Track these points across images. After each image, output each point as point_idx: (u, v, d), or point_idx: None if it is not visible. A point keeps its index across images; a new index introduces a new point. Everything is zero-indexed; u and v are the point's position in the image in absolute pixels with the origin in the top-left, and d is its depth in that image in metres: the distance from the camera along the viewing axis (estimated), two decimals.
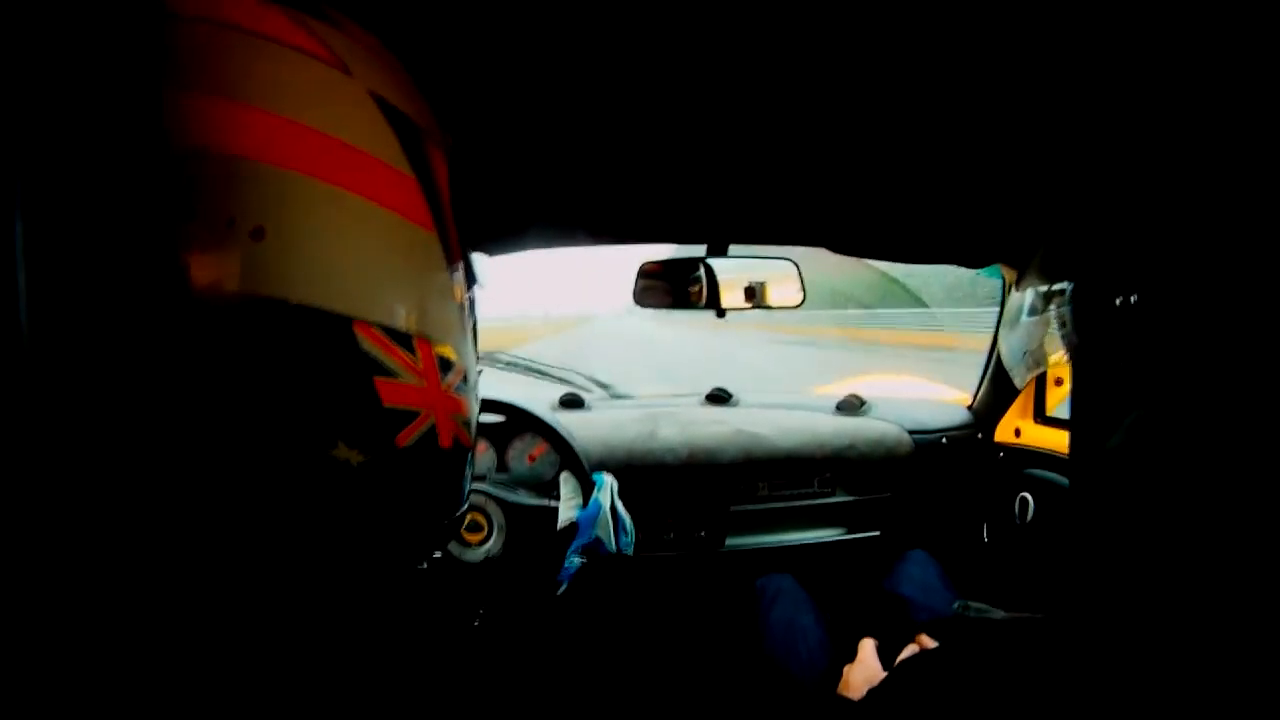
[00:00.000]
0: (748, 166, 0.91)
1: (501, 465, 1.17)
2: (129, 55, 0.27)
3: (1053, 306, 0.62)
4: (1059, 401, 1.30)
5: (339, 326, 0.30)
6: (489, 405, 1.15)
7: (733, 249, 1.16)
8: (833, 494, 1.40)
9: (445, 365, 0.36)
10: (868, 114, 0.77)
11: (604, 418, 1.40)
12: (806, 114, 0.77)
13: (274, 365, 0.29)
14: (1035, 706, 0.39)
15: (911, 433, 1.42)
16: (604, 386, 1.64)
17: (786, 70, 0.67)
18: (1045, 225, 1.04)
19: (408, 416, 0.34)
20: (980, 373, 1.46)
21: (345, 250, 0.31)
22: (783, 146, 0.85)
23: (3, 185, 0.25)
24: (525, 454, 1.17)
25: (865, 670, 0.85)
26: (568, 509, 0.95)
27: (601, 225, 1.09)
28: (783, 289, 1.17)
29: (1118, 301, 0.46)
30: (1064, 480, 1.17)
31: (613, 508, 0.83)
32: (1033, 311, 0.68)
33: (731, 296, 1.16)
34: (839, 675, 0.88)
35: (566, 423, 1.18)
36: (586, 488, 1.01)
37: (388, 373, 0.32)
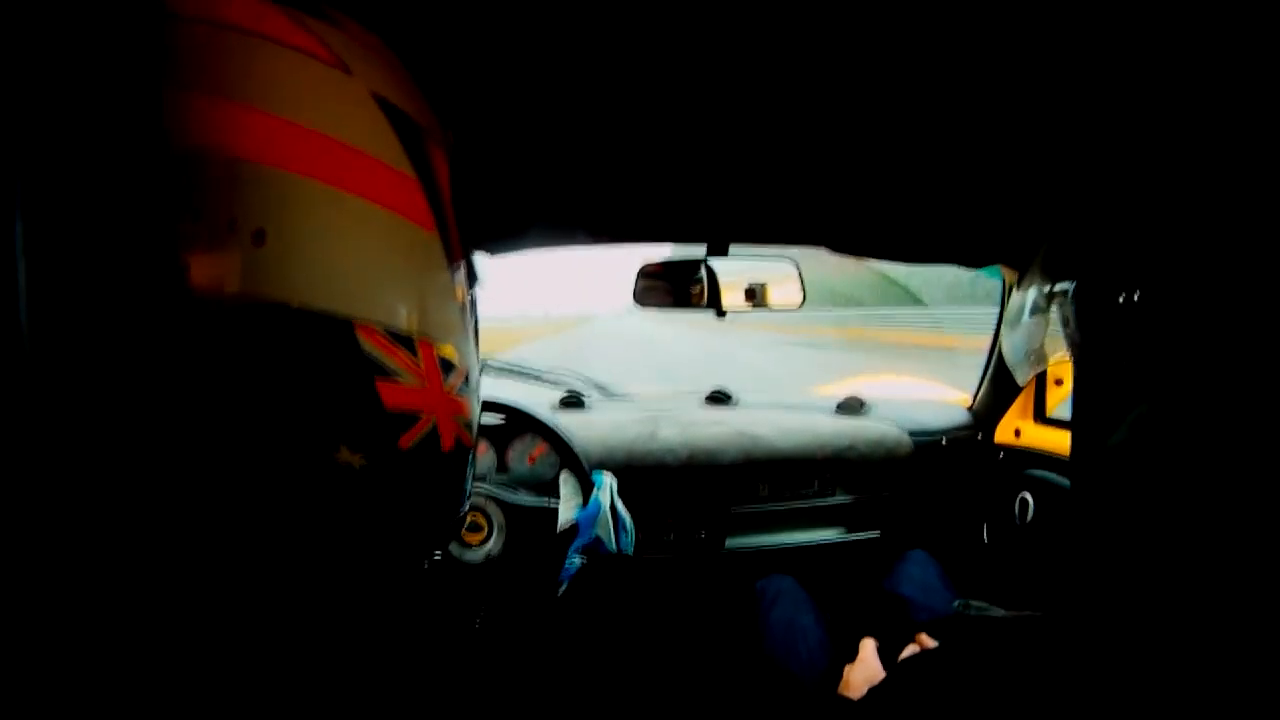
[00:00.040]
0: (748, 166, 0.91)
1: (501, 466, 1.18)
2: (129, 55, 0.27)
3: (1055, 305, 0.62)
4: (1059, 402, 1.30)
5: (341, 329, 0.30)
6: (489, 406, 1.15)
7: (733, 249, 1.16)
8: (833, 495, 1.40)
9: (447, 366, 0.36)
10: (868, 114, 0.77)
11: (604, 418, 1.40)
12: (806, 114, 0.77)
13: (275, 369, 0.29)
14: (1036, 705, 0.39)
15: (911, 434, 1.42)
16: (601, 389, 1.64)
17: (786, 70, 0.67)
18: (1046, 225, 1.04)
19: (410, 419, 0.34)
20: (980, 373, 1.46)
21: (346, 252, 0.31)
22: (783, 146, 0.85)
23: (3, 186, 0.25)
24: (525, 454, 1.17)
25: (866, 670, 0.85)
26: (568, 509, 0.95)
27: (601, 225, 1.09)
28: (783, 290, 1.17)
29: (1120, 298, 0.46)
30: (1064, 481, 1.17)
31: (613, 507, 0.83)
32: (1035, 310, 0.68)
33: (732, 297, 1.16)
34: (839, 675, 0.88)
35: (566, 423, 1.18)
36: (586, 488, 1.02)
37: (390, 375, 0.32)
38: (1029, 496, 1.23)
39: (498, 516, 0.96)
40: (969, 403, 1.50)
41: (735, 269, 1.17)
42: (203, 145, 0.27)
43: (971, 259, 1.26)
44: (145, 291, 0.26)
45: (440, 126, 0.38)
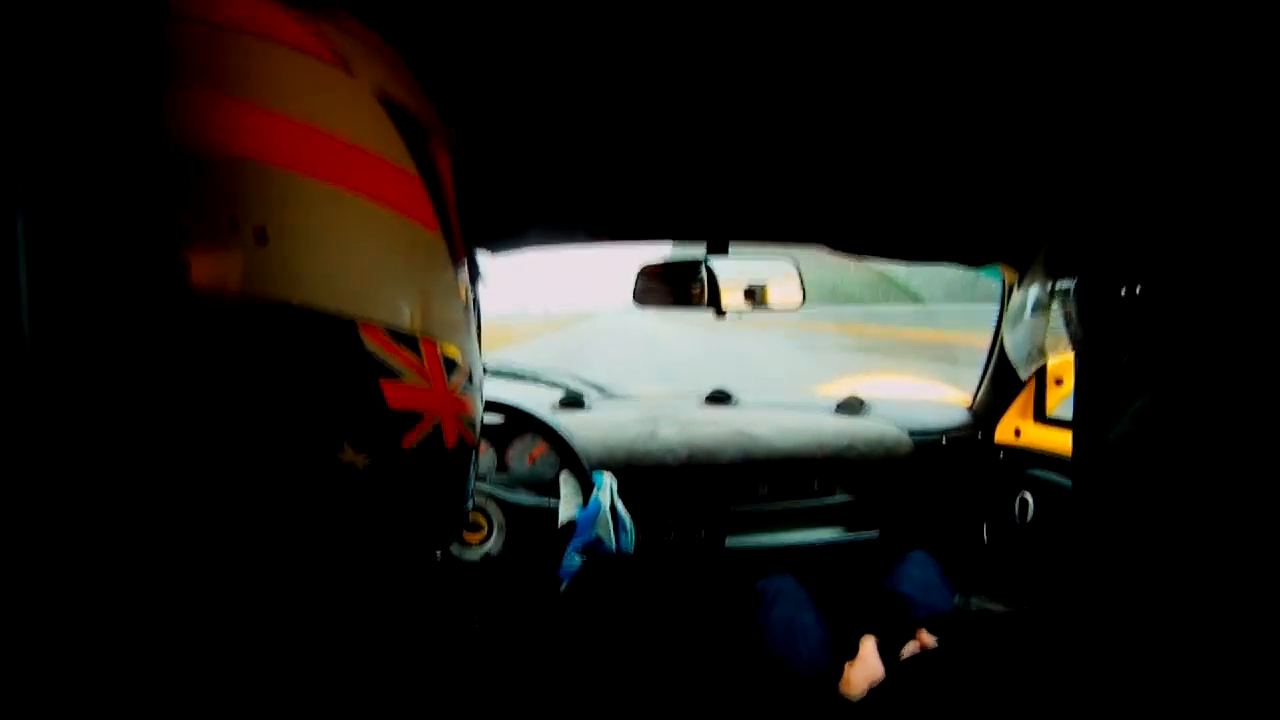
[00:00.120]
0: (748, 165, 0.91)
1: (501, 465, 1.18)
2: (130, 54, 0.27)
3: (1057, 301, 0.62)
4: (1059, 401, 1.30)
5: (344, 328, 0.30)
6: (489, 406, 1.15)
7: (733, 249, 1.16)
8: (832, 494, 1.40)
9: (450, 365, 0.36)
10: (868, 112, 0.77)
11: (604, 418, 1.40)
12: (806, 113, 0.77)
13: (278, 369, 0.29)
14: (1036, 702, 0.39)
15: (911, 433, 1.42)
16: (600, 389, 1.64)
17: (786, 69, 0.67)
18: (1045, 224, 1.05)
19: (413, 418, 0.33)
20: (980, 372, 1.46)
21: (349, 251, 0.31)
22: (783, 145, 0.85)
23: (4, 186, 0.25)
24: (525, 454, 1.18)
25: (866, 668, 0.86)
26: (568, 508, 0.95)
27: (602, 223, 1.09)
28: (783, 289, 1.17)
29: (1122, 294, 0.46)
30: (1064, 480, 1.18)
31: (612, 507, 0.83)
32: (1037, 308, 0.68)
33: (731, 297, 1.16)
34: (840, 673, 0.88)
35: (566, 423, 1.18)
36: (586, 488, 1.02)
37: (393, 374, 0.32)
38: (1029, 496, 1.23)
39: (497, 516, 0.96)
40: (969, 402, 1.50)
41: (735, 269, 1.17)
42: (204, 144, 0.27)
43: (971, 258, 1.26)
44: (147, 291, 0.26)
45: (443, 124, 0.38)
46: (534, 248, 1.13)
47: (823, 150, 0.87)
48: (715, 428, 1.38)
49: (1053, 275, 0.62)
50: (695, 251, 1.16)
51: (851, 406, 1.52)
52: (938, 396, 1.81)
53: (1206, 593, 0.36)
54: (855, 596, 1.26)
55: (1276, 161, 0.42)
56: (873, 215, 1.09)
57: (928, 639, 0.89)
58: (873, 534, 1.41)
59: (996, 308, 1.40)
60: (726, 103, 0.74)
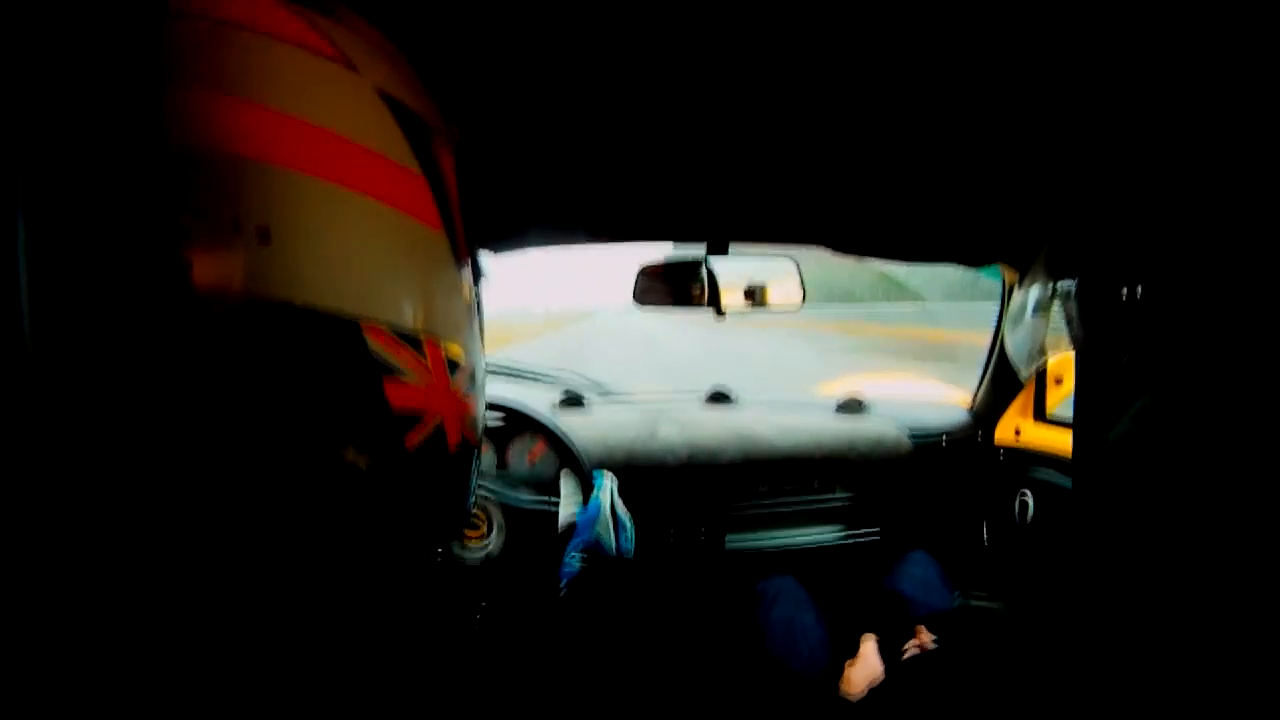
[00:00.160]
0: (748, 165, 0.91)
1: (501, 465, 1.18)
2: (131, 54, 0.26)
3: (1058, 302, 0.62)
4: (1059, 401, 1.30)
5: (347, 329, 0.30)
6: (489, 406, 1.15)
7: (733, 249, 1.16)
8: (832, 494, 1.40)
9: (453, 366, 0.36)
10: (868, 113, 0.77)
11: (604, 417, 1.40)
12: (806, 113, 0.77)
13: (282, 369, 0.29)
14: (1036, 701, 0.39)
15: (911, 433, 1.42)
16: (599, 387, 1.64)
17: (787, 69, 0.67)
18: (1045, 224, 1.04)
19: (416, 418, 0.33)
20: (979, 372, 1.46)
21: (353, 250, 0.31)
22: (783, 146, 0.85)
23: (4, 186, 0.25)
24: (525, 454, 1.18)
25: (866, 667, 0.86)
26: (568, 508, 0.96)
27: (602, 223, 1.09)
28: (782, 289, 1.17)
29: (1123, 294, 0.46)
30: (1064, 480, 1.18)
31: (612, 507, 0.83)
32: (1038, 308, 0.68)
33: (732, 297, 1.16)
34: (840, 672, 0.88)
35: (566, 423, 1.18)
36: (586, 487, 1.02)
37: (396, 374, 0.32)
38: (1029, 496, 1.23)
39: (497, 516, 0.96)
40: (969, 402, 1.50)
41: (735, 268, 1.17)
42: (206, 143, 0.27)
43: (971, 259, 1.26)
44: (149, 292, 0.26)
45: (446, 124, 0.38)
46: (534, 248, 1.13)
47: (823, 151, 0.87)
48: (715, 427, 1.38)
49: (1054, 276, 0.62)
50: (695, 251, 1.16)
51: (851, 406, 1.52)
52: (938, 396, 1.81)
53: (1206, 592, 0.36)
54: (855, 596, 1.26)
55: (1276, 162, 0.42)
56: (873, 216, 1.09)
57: (927, 638, 0.89)
58: (873, 534, 1.41)
59: (997, 306, 1.40)
60: (727, 103, 0.73)
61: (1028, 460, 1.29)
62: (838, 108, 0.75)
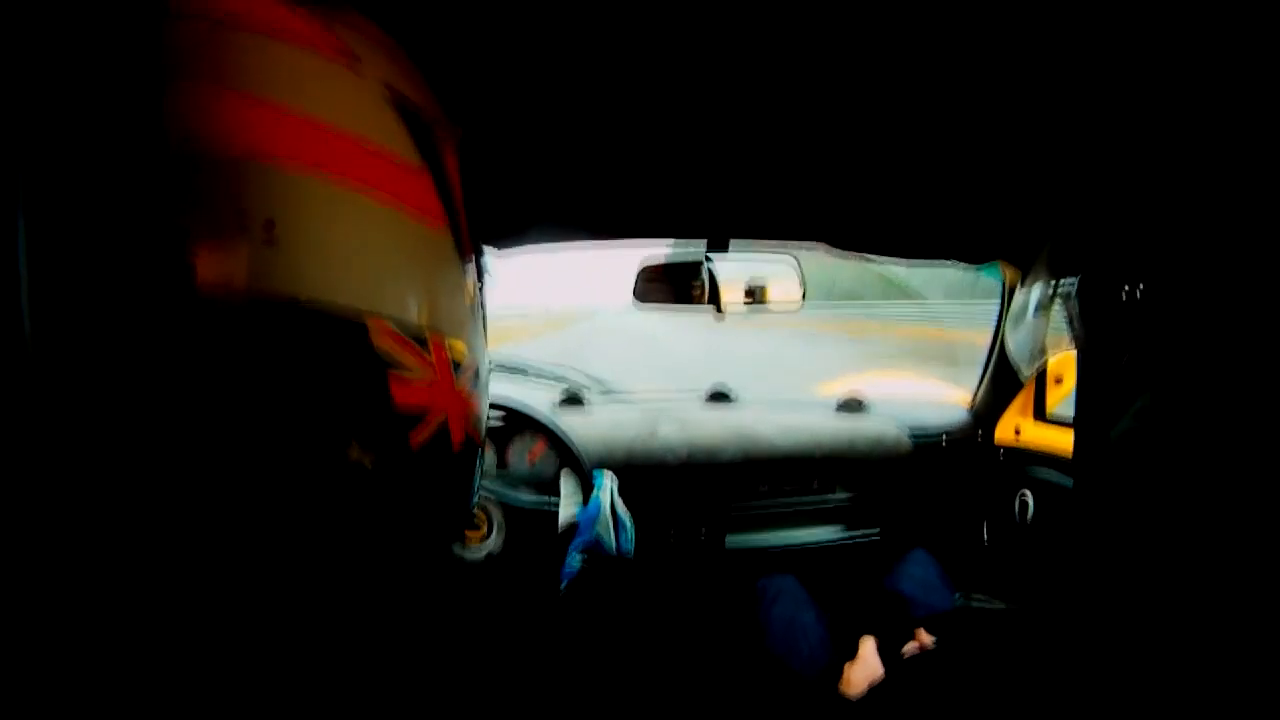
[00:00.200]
0: (748, 163, 0.91)
1: (501, 464, 1.18)
2: (132, 53, 0.26)
3: (1059, 301, 0.62)
4: (1059, 401, 1.29)
5: (352, 326, 0.30)
6: (489, 405, 1.15)
7: (733, 248, 1.16)
8: (833, 493, 1.40)
9: (458, 363, 0.36)
10: (868, 111, 0.77)
11: (604, 417, 1.40)
12: (807, 111, 0.77)
13: (287, 366, 0.28)
14: (1036, 701, 0.39)
15: (911, 433, 1.42)
16: (600, 383, 1.64)
17: (787, 67, 0.67)
18: (1046, 222, 1.04)
19: (421, 416, 0.33)
20: (980, 372, 1.46)
21: (358, 248, 0.31)
22: (783, 143, 0.85)
23: (5, 186, 0.25)
24: (525, 453, 1.18)
25: (866, 667, 0.86)
26: (568, 508, 0.96)
27: (603, 221, 1.09)
28: (783, 288, 1.17)
29: (1124, 293, 0.46)
30: (1064, 480, 1.17)
31: (612, 507, 0.83)
32: (1039, 307, 0.68)
33: (732, 295, 1.16)
34: (840, 672, 0.88)
35: (566, 422, 1.18)
36: (586, 487, 1.02)
37: (401, 371, 0.32)
38: (1029, 495, 1.23)
39: (497, 515, 0.96)
40: (969, 401, 1.50)
41: (735, 267, 1.17)
42: (212, 142, 0.27)
43: (972, 256, 1.26)
44: (153, 290, 0.26)
45: (449, 122, 0.38)
46: (535, 246, 1.13)
47: (823, 148, 0.87)
48: (715, 427, 1.38)
49: (1055, 275, 0.62)
50: (696, 251, 1.16)
51: (851, 405, 1.52)
52: (938, 395, 1.81)
53: (1207, 591, 0.36)
54: (855, 596, 1.26)
55: (1277, 162, 0.42)
56: (873, 213, 1.09)
57: (926, 638, 0.89)
58: (873, 533, 1.41)
59: (996, 306, 1.40)
60: (727, 101, 0.73)
61: (1028, 460, 1.28)
62: (838, 105, 0.75)
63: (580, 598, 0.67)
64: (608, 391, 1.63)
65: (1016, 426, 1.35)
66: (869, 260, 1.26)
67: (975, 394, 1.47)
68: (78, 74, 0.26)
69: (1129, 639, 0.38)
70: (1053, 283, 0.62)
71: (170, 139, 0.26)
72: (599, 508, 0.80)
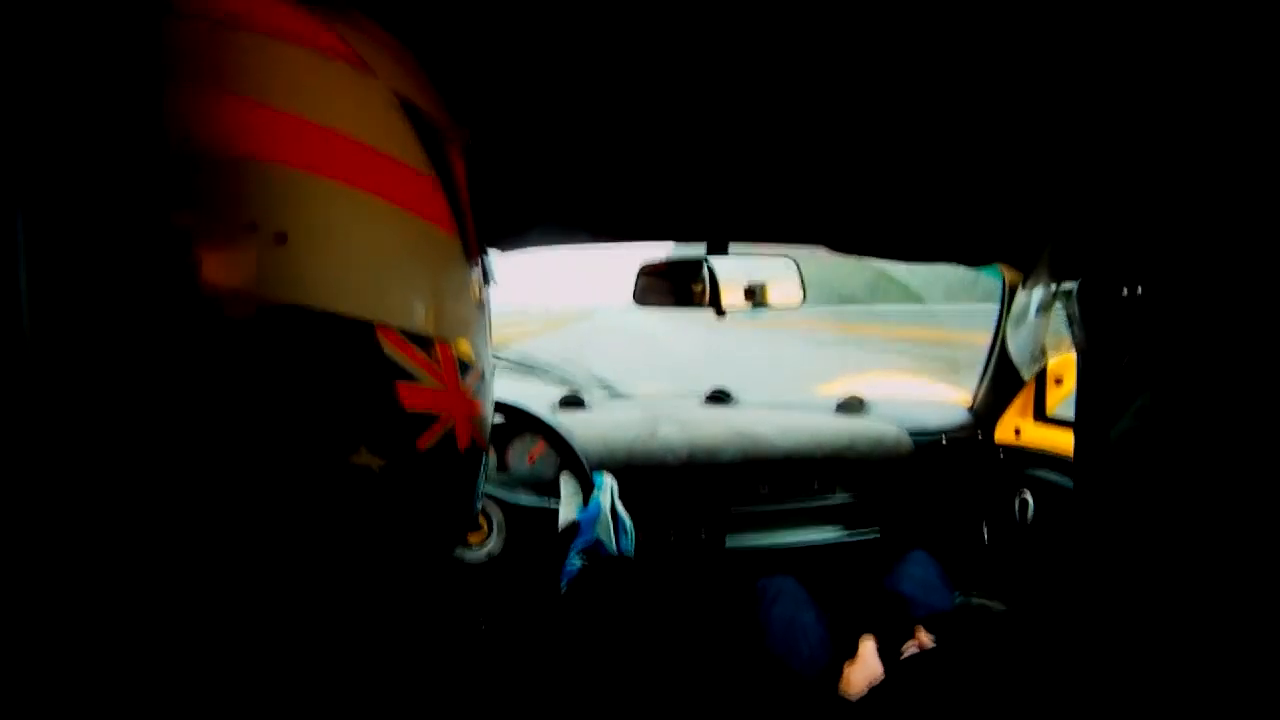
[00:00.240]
0: (748, 165, 0.92)
1: (502, 465, 1.18)
2: (133, 53, 0.26)
3: (1060, 302, 0.62)
4: (1059, 401, 1.30)
5: (361, 332, 0.30)
6: None
7: (733, 248, 1.16)
8: (833, 494, 1.40)
9: (464, 367, 0.36)
10: (868, 112, 0.77)
11: (604, 417, 1.40)
12: (807, 113, 0.77)
13: (296, 372, 0.28)
14: (1036, 702, 0.39)
15: (911, 433, 1.42)
16: (601, 382, 1.64)
17: (787, 69, 0.67)
18: (1047, 224, 1.05)
19: (428, 420, 0.33)
20: (980, 372, 1.47)
21: (368, 254, 0.30)
22: (783, 145, 0.85)
23: (4, 186, 0.25)
24: (525, 454, 1.18)
25: (866, 668, 0.86)
26: (568, 509, 0.95)
27: (603, 223, 1.09)
28: (783, 288, 1.17)
29: (1124, 294, 0.46)
30: (1064, 480, 1.18)
31: (613, 508, 0.83)
32: (1040, 308, 0.68)
33: (732, 296, 1.16)
34: (840, 673, 0.88)
35: (566, 423, 1.18)
36: (586, 488, 1.02)
37: (409, 377, 0.32)
38: (1029, 496, 1.23)
39: (497, 516, 0.96)
40: (969, 402, 1.50)
41: (735, 268, 1.17)
42: (216, 144, 0.27)
43: (972, 258, 1.26)
44: (164, 295, 0.26)
45: (456, 126, 0.38)
46: (535, 247, 1.13)
47: (823, 150, 0.87)
48: (715, 427, 1.38)
49: (1056, 276, 0.62)
50: (696, 251, 1.16)
51: (852, 406, 1.52)
52: (938, 396, 1.81)
53: (1208, 592, 0.36)
54: (855, 596, 1.26)
55: (1277, 162, 0.42)
56: (873, 215, 1.09)
57: (926, 638, 0.89)
58: (873, 534, 1.41)
59: (996, 307, 1.40)
60: (727, 104, 0.74)
61: (1028, 460, 1.29)
62: (838, 107, 0.75)
63: (580, 598, 0.67)
64: (610, 388, 1.63)
65: (1016, 427, 1.35)
66: (868, 260, 1.26)
67: (975, 394, 1.47)
68: (77, 73, 0.26)
69: (1129, 639, 0.38)
70: (1054, 284, 0.62)
71: (170, 139, 0.26)
72: (599, 508, 0.81)
